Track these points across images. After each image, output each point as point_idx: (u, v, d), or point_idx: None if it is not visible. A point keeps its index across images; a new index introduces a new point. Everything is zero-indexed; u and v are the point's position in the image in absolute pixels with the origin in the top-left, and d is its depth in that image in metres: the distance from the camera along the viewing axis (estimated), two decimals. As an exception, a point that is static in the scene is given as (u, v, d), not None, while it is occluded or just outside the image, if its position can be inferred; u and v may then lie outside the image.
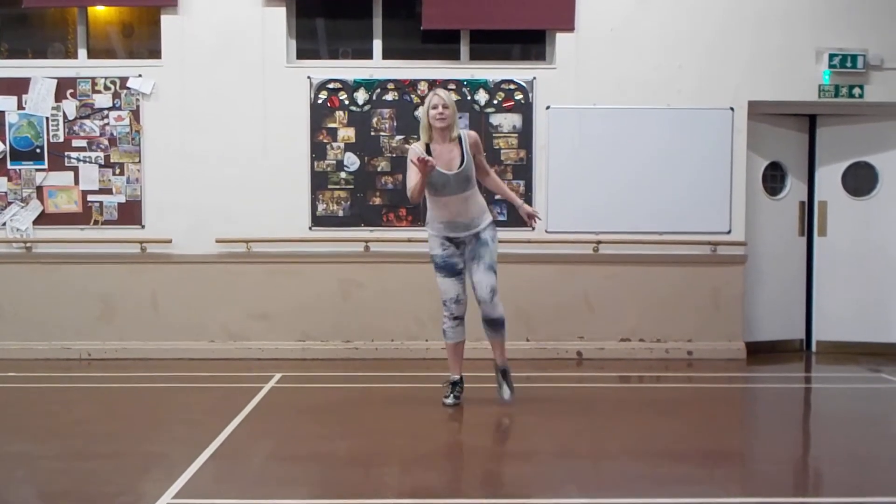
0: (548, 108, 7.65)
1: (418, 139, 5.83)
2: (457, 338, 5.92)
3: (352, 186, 7.65)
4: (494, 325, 5.82)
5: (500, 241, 7.47)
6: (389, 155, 7.59)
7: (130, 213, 7.65)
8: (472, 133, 5.84)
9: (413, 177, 5.59)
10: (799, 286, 8.26)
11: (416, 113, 7.36)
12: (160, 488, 4.21)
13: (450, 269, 5.75)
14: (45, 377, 6.99)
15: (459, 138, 5.70)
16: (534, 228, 6.24)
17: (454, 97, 7.54)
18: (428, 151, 5.63)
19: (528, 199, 7.64)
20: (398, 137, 7.60)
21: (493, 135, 7.64)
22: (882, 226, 8.07)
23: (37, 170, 7.62)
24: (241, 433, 5.27)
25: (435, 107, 5.64)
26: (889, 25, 7.67)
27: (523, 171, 7.66)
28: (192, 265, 7.64)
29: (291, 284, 7.64)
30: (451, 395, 5.90)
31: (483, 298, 5.72)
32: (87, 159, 7.63)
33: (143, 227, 7.65)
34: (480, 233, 5.75)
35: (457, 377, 5.97)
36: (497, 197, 7.58)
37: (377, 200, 7.64)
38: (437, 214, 5.74)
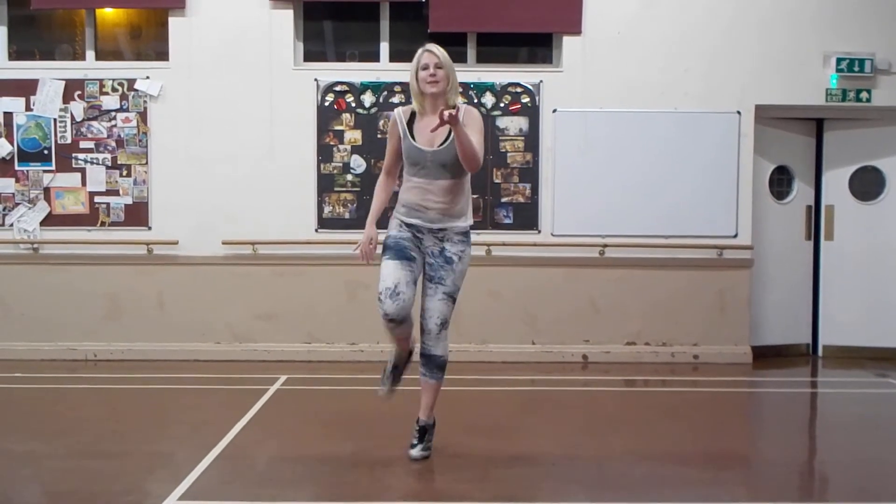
0: (554, 111, 7.65)
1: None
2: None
3: (358, 189, 7.65)
4: (432, 364, 4.70)
5: (505, 245, 7.59)
6: (396, 157, 7.58)
7: (137, 214, 7.66)
8: (473, 110, 4.68)
9: (387, 161, 4.81)
10: (805, 290, 8.24)
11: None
12: (166, 489, 4.22)
13: (399, 251, 4.60)
14: (51, 377, 7.00)
15: (457, 111, 4.51)
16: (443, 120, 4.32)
17: (460, 99, 7.56)
18: (412, 119, 4.65)
19: (534, 201, 7.65)
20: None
21: (500, 138, 7.64)
22: (889, 230, 8.04)
23: (44, 171, 7.64)
24: (246, 434, 5.27)
25: (425, 67, 4.54)
26: (897, 29, 7.67)
27: (529, 174, 7.65)
28: (198, 267, 7.65)
29: (297, 286, 7.65)
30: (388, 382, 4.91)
31: (428, 329, 4.65)
32: (95, 161, 7.65)
33: (149, 228, 7.67)
34: (447, 243, 4.65)
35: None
36: (504, 200, 7.65)
37: (383, 203, 7.63)
38: (406, 196, 4.71)
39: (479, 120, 4.63)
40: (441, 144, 4.55)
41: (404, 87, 7.60)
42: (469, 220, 4.74)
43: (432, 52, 4.56)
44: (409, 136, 4.62)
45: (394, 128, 4.70)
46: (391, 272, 4.55)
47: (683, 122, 7.65)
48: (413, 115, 4.66)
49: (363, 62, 7.87)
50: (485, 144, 4.77)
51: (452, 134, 4.46)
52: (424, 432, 4.79)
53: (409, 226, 4.67)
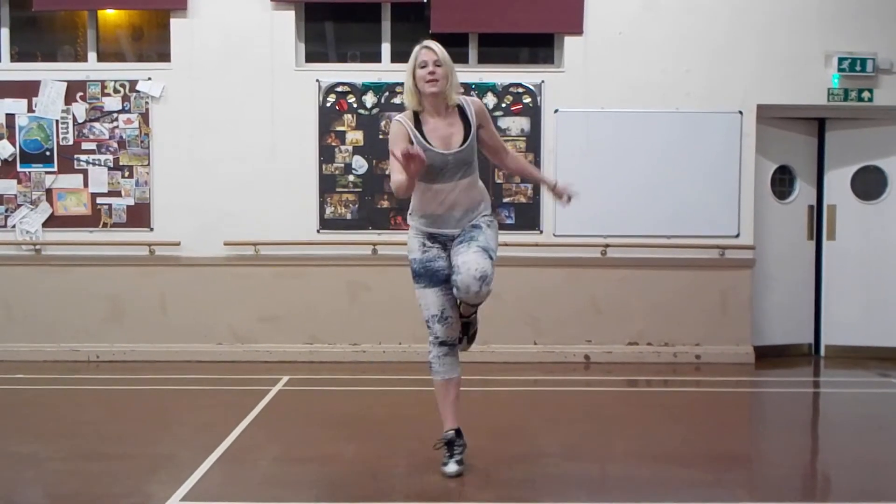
0: (556, 111, 7.65)
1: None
2: (448, 372, 4.51)
3: (360, 189, 7.66)
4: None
5: (507, 245, 7.55)
6: (397, 158, 7.59)
7: (139, 215, 7.67)
8: (477, 101, 4.54)
9: (399, 168, 4.19)
10: (807, 290, 8.23)
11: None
12: (168, 490, 4.23)
13: (431, 277, 4.40)
14: (54, 379, 7.01)
15: (460, 107, 4.39)
16: (567, 203, 4.81)
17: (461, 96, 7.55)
18: (418, 124, 4.35)
19: (536, 201, 7.66)
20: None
21: (502, 138, 7.62)
22: (891, 230, 8.03)
23: (46, 172, 7.65)
24: (248, 436, 5.28)
25: (423, 64, 4.25)
26: (899, 29, 7.66)
27: (531, 174, 7.65)
28: (200, 268, 7.65)
29: (299, 287, 7.65)
30: (452, 460, 4.48)
31: (466, 284, 4.20)
32: (97, 162, 7.66)
33: (151, 229, 7.67)
34: (475, 222, 4.43)
35: (452, 430, 4.54)
36: (505, 200, 7.65)
37: (385, 203, 7.65)
38: (424, 206, 4.42)
39: (486, 111, 4.54)
40: (461, 145, 4.34)
41: (406, 87, 7.59)
42: (488, 201, 4.56)
43: (431, 49, 4.28)
44: (428, 144, 4.32)
45: (401, 132, 4.34)
46: (434, 300, 4.41)
47: (685, 123, 7.64)
48: (416, 120, 4.36)
49: (365, 63, 7.87)
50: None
51: (472, 134, 4.36)
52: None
53: (432, 237, 4.44)
